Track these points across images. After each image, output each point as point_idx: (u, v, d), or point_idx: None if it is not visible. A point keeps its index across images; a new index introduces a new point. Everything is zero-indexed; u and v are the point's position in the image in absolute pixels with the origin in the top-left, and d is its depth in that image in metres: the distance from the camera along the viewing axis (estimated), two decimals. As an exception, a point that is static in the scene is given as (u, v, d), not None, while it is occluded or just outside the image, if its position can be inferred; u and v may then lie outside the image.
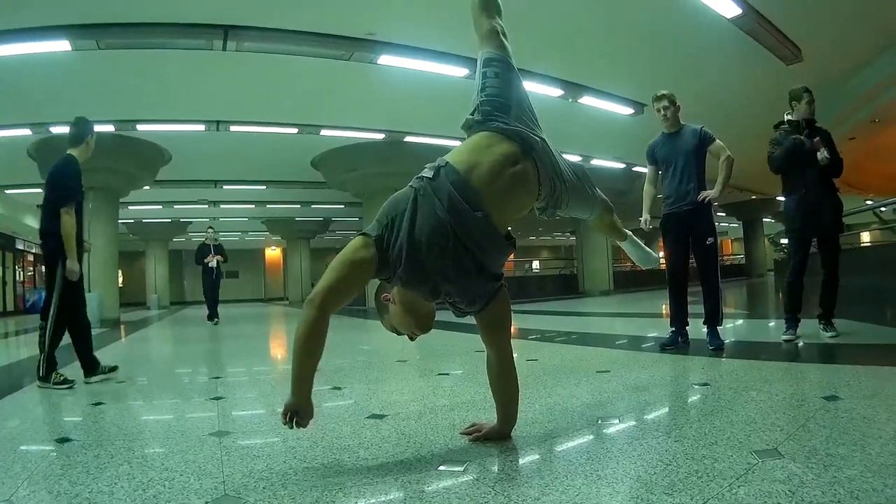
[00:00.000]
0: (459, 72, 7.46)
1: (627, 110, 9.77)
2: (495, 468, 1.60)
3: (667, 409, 2.37)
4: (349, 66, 7.26)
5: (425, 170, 1.68)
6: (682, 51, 7.47)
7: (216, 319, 9.72)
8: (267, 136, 10.47)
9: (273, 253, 31.26)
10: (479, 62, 1.90)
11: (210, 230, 9.99)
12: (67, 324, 3.56)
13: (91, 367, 3.58)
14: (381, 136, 11.01)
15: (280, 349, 5.90)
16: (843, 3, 6.32)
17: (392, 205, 1.65)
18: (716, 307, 3.76)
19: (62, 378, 3.35)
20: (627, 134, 10.66)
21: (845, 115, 10.10)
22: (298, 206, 18.44)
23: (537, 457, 1.72)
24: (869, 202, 16.03)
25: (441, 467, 1.60)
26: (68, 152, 3.66)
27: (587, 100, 9.21)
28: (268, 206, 18.40)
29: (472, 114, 1.83)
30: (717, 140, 3.82)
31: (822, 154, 3.83)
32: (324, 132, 10.39)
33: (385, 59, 7.21)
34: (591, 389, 2.04)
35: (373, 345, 5.58)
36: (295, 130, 10.16)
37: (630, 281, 18.72)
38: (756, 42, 7.06)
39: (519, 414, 1.92)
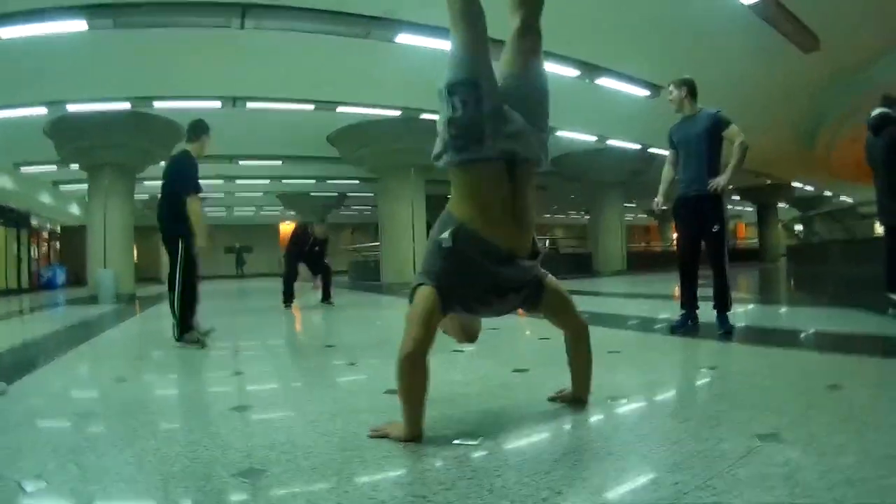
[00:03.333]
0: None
1: (644, 92, 9.73)
2: (508, 443, 1.68)
3: (674, 391, 2.44)
4: (366, 44, 7.27)
5: (444, 237, 1.80)
6: (699, 35, 7.40)
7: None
8: (283, 113, 10.52)
9: (288, 227, 31.45)
10: (441, 91, 1.83)
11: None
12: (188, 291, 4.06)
13: (185, 329, 4.00)
14: (397, 113, 11.03)
15: (292, 324, 6.02)
16: None
17: (432, 257, 1.85)
18: (724, 292, 3.77)
19: (196, 337, 3.95)
20: (643, 116, 10.63)
21: (861, 105, 9.91)
22: (314, 181, 18.57)
23: (547, 434, 1.80)
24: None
25: (456, 441, 1.68)
26: (184, 148, 4.20)
27: (604, 81, 9.17)
28: (283, 181, 18.53)
29: (445, 149, 1.84)
30: (733, 124, 3.78)
31: None
32: (340, 109, 10.44)
33: (403, 38, 7.22)
34: (601, 369, 2.10)
35: (385, 321, 5.68)
36: (311, 107, 10.21)
37: (643, 262, 18.60)
38: (774, 29, 6.97)
39: (531, 390, 2.00)
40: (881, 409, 1.91)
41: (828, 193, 24.25)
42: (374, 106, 10.64)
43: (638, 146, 14.18)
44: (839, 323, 4.21)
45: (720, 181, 3.70)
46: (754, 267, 17.28)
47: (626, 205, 18.85)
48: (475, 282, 1.83)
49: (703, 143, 3.80)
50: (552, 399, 2.13)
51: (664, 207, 4.09)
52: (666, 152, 4.27)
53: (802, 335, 3.76)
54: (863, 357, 2.87)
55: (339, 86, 9.44)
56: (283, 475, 1.47)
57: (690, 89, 3.92)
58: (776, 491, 1.25)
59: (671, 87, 3.95)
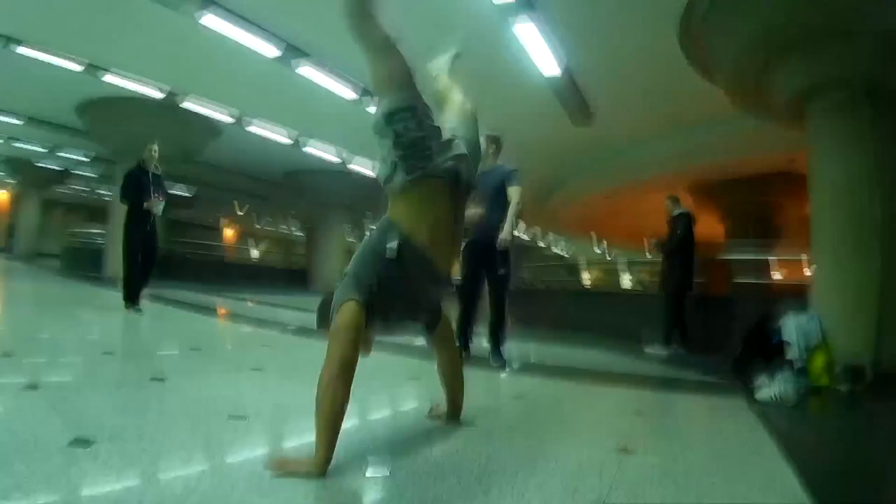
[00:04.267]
0: (270, 51, 7.15)
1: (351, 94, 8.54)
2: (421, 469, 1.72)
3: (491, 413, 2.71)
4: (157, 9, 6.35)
5: (390, 247, 1.79)
6: (496, 88, 7.47)
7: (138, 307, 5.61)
8: (44, 66, 8.42)
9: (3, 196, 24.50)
10: (378, 113, 1.88)
11: (154, 145, 5.71)
12: None
13: None
14: (159, 94, 9.58)
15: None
16: (635, 84, 7.56)
17: (367, 268, 1.81)
18: (503, 328, 4.16)
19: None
20: (348, 120, 9.46)
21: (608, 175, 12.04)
22: (46, 150, 15.03)
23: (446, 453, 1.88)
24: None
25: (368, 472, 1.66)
26: None
27: (307, 70, 7.84)
28: (15, 143, 14.55)
29: (394, 171, 1.86)
30: (516, 185, 4.17)
31: None
32: (108, 78, 8.81)
33: (209, 20, 6.50)
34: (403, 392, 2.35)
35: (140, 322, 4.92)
36: (79, 67, 8.44)
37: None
38: (559, 103, 8.06)
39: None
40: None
41: (541, 244, 28.30)
42: (140, 80, 9.13)
43: (336, 158, 13.16)
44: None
45: (504, 239, 4.03)
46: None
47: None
48: (405, 297, 1.87)
49: (493, 195, 4.10)
50: (432, 416, 2.30)
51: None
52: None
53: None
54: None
55: (113, 50, 8.04)
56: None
57: (497, 146, 4.32)
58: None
59: (489, 141, 4.24)
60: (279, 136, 11.48)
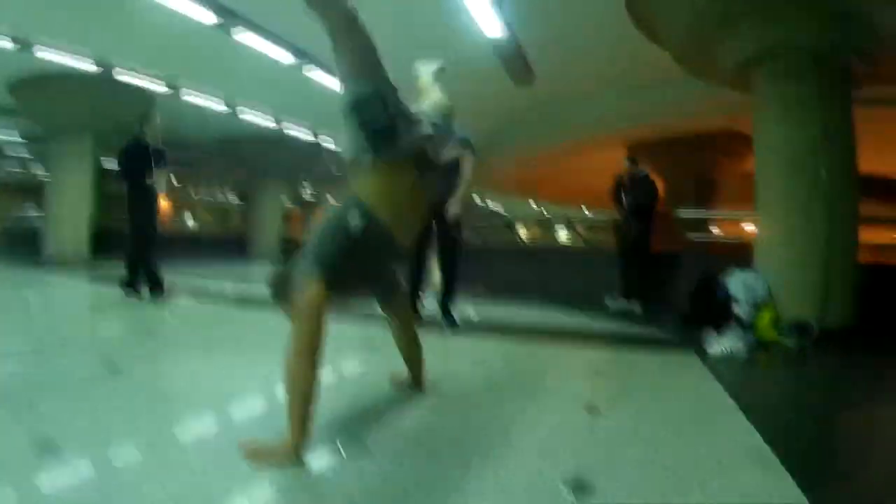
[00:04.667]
0: (207, 17, 6.51)
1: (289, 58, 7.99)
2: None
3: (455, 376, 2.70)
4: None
5: (355, 222, 1.75)
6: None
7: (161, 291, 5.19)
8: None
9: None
10: (345, 99, 1.84)
11: (153, 119, 5.27)
12: None
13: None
14: (94, 69, 8.77)
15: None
16: (580, 46, 7.44)
17: (329, 244, 1.76)
18: (454, 291, 4.16)
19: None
20: (285, 85, 9.39)
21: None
22: None
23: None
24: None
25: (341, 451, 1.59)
26: None
27: (244, 36, 7.22)
28: None
29: (362, 152, 1.85)
30: (469, 155, 4.06)
31: None
32: (41, 53, 7.98)
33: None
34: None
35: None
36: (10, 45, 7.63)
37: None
38: (501, 65, 7.90)
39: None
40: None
41: (479, 203, 28.30)
42: (71, 54, 8.30)
43: (272, 123, 12.55)
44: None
45: (454, 212, 4.02)
46: None
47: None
48: (363, 269, 1.87)
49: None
50: (395, 386, 2.33)
51: None
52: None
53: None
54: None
55: (42, 21, 7.26)
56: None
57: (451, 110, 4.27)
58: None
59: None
60: (215, 103, 10.87)
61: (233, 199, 24.52)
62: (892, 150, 4.35)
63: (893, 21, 4.28)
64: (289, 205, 18.73)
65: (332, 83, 8.83)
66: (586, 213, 18.21)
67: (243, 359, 2.88)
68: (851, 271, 4.34)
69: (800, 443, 1.97)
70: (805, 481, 1.51)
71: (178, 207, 23.87)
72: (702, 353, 3.48)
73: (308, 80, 8.69)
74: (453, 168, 4.08)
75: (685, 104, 8.72)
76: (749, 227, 16.26)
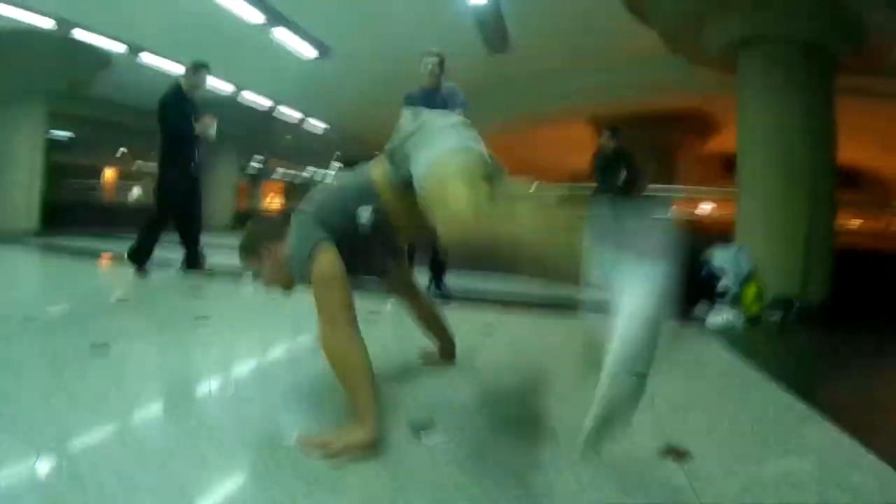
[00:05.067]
0: None
1: (312, 52, 8.75)
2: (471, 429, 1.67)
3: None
4: None
5: (363, 215, 1.64)
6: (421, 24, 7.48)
7: (205, 267, 4.74)
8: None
9: None
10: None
11: (204, 72, 4.62)
12: None
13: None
14: (50, 24, 8.06)
15: None
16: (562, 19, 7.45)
17: (333, 213, 1.65)
18: (442, 258, 4.16)
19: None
20: (307, 81, 10.07)
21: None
22: None
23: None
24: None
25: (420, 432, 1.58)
26: None
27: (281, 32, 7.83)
28: None
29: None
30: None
31: None
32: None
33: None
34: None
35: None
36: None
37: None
38: (478, 31, 7.82)
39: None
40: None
41: None
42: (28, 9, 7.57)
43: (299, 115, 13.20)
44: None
45: None
46: None
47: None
48: (355, 250, 1.67)
49: None
50: (427, 361, 2.22)
51: None
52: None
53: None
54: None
55: None
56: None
57: (443, 64, 4.16)
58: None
59: (436, 59, 4.12)
60: (173, 66, 10.28)
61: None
62: (859, 140, 4.63)
63: (880, 15, 4.50)
64: (243, 173, 18.04)
65: (300, 47, 8.59)
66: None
67: (237, 331, 2.79)
68: (829, 252, 4.62)
69: (827, 395, 2.16)
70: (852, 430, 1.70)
71: (124, 178, 22.75)
72: (700, 326, 3.63)
73: (275, 44, 8.35)
74: None
75: (658, 82, 8.86)
76: (706, 207, 17.01)
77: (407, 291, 2.13)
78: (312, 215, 1.63)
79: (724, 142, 11.57)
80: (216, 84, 11.24)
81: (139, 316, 3.14)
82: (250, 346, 2.62)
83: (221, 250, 4.71)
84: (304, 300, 1.71)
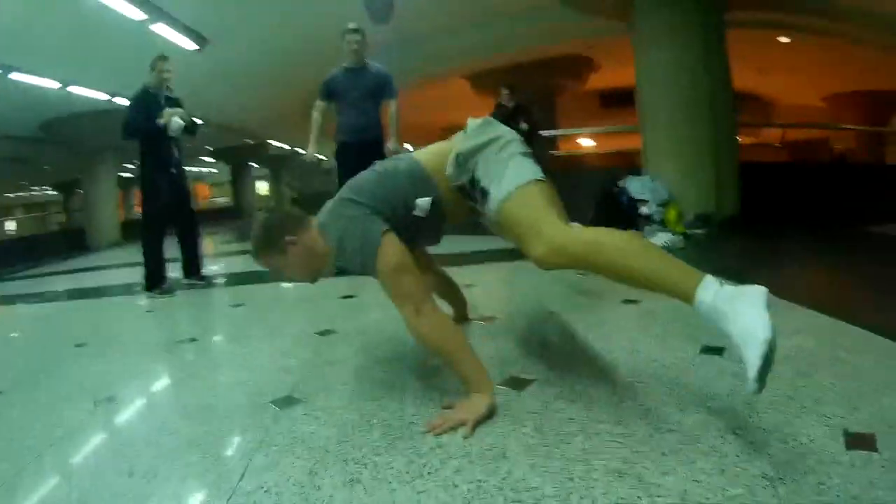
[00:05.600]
0: None
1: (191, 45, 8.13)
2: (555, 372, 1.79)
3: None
4: None
5: (421, 206, 1.68)
6: None
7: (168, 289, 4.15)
8: None
9: None
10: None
11: (163, 63, 4.17)
12: None
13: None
14: None
15: None
16: None
17: (384, 201, 1.65)
18: None
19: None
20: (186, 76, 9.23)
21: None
22: None
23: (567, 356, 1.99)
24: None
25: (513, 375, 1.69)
26: None
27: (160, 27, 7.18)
28: None
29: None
30: (397, 99, 4.16)
31: None
32: None
33: None
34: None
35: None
36: None
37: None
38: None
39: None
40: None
41: (300, 150, 26.51)
42: None
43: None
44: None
45: (391, 145, 4.08)
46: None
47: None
48: (403, 236, 1.66)
49: (369, 97, 4.09)
50: (479, 319, 2.34)
51: (321, 157, 4.23)
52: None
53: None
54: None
55: None
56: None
57: (364, 39, 4.13)
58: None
59: (359, 37, 4.10)
60: (44, 80, 8.98)
61: (50, 189, 21.15)
62: (736, 65, 5.31)
63: None
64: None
65: (181, 41, 7.96)
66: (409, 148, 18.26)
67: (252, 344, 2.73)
68: (735, 170, 5.30)
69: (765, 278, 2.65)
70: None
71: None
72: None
73: (155, 37, 7.65)
74: (376, 101, 4.12)
75: (538, 34, 9.19)
76: (586, 143, 18.23)
77: (424, 263, 2.11)
78: (369, 207, 1.60)
79: (600, 81, 12.45)
80: (94, 94, 10.11)
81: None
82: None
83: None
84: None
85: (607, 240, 1.39)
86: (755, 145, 14.49)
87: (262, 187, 29.38)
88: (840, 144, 16.47)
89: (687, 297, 1.26)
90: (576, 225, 1.55)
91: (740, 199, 5.29)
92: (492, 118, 1.76)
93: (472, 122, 1.74)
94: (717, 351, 1.76)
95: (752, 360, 1.09)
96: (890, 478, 1.03)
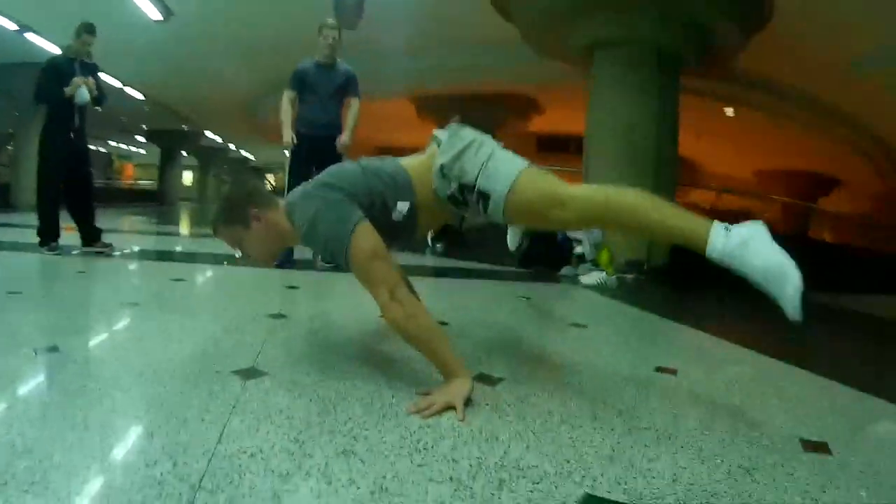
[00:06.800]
0: None
1: (157, 15, 8.01)
2: (522, 371, 1.88)
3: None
4: None
5: (399, 211, 1.70)
6: None
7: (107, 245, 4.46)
8: None
9: None
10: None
11: (89, 36, 4.30)
12: None
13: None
14: None
15: None
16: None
17: (360, 195, 1.64)
18: None
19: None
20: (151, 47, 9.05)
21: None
22: None
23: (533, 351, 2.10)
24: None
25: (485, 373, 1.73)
26: None
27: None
28: None
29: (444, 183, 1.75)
30: (359, 98, 4.28)
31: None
32: None
33: None
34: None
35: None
36: None
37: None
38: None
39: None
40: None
41: (231, 146, 25.28)
42: None
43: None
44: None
45: (346, 141, 4.15)
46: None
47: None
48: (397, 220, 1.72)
49: (333, 94, 4.20)
50: None
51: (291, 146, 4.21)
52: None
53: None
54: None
55: None
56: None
57: (339, 38, 4.21)
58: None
59: (336, 33, 4.18)
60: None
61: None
62: (684, 129, 5.85)
63: (724, 27, 5.57)
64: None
65: (148, 8, 7.56)
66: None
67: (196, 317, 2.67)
68: None
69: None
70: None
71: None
72: (575, 284, 4.32)
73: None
74: (339, 99, 4.21)
75: (487, 67, 9.47)
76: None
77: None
78: (349, 194, 1.60)
79: (541, 124, 12.97)
80: (48, 46, 9.11)
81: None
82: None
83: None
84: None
85: (628, 191, 1.54)
86: (684, 204, 15.43)
87: (188, 177, 27.92)
88: (767, 216, 17.95)
89: (699, 244, 1.39)
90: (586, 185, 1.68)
91: (670, 251, 5.67)
92: (457, 125, 1.78)
93: (441, 134, 1.76)
94: (673, 372, 1.93)
95: (789, 294, 1.28)
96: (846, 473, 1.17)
